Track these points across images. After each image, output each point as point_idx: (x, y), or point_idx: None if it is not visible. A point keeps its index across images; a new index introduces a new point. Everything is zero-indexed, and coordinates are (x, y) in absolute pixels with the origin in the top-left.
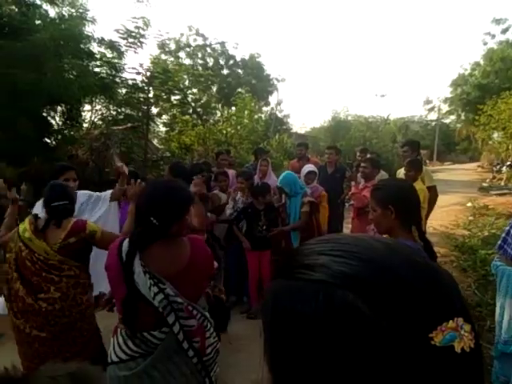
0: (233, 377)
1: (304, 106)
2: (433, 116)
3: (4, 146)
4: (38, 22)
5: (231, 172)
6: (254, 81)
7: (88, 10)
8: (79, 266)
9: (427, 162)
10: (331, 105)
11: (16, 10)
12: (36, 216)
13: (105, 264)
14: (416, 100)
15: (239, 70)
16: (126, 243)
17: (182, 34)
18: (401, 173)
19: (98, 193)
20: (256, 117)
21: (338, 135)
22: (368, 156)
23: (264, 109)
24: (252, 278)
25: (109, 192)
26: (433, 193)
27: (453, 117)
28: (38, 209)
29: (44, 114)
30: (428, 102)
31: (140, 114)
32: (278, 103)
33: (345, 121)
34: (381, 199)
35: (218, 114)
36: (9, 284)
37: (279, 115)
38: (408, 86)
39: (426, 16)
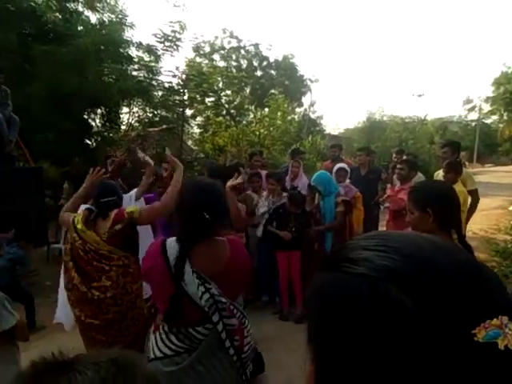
0: (262, 375)
1: (338, 107)
2: (473, 116)
3: (50, 147)
4: (80, 28)
5: (264, 173)
6: (287, 82)
7: (127, 16)
8: (127, 255)
9: (467, 163)
10: (366, 105)
11: (60, 16)
12: (90, 209)
13: (145, 265)
14: (455, 99)
15: (272, 72)
16: (170, 243)
17: (216, 37)
18: (439, 175)
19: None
20: (289, 118)
21: (373, 136)
22: (404, 157)
23: (297, 110)
24: (282, 279)
25: (133, 191)
26: (474, 196)
27: (495, 117)
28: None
29: (85, 117)
30: (468, 101)
31: (175, 116)
32: (312, 104)
33: (380, 121)
34: (419, 201)
35: (251, 115)
36: (66, 273)
37: (312, 116)
38: (447, 85)
39: (467, 12)
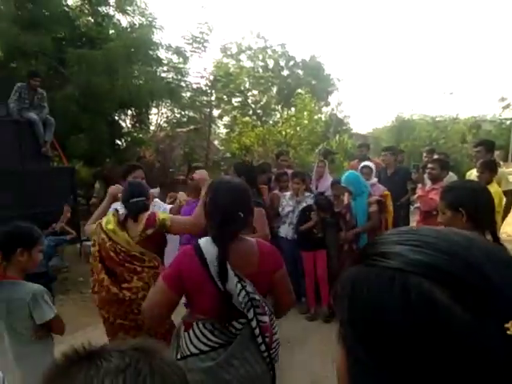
0: (291, 375)
1: (365, 106)
2: (508, 114)
3: (82, 148)
4: (111, 31)
5: (290, 173)
6: (314, 81)
7: (156, 18)
8: (157, 258)
9: (501, 163)
10: (395, 104)
11: (92, 20)
12: (117, 210)
13: (175, 269)
14: (489, 97)
15: (299, 71)
16: (205, 244)
17: (243, 38)
18: (472, 174)
19: (158, 200)
20: (316, 117)
21: (402, 135)
22: (435, 157)
23: (324, 109)
24: (308, 279)
25: (168, 207)
26: (509, 197)
27: None
28: (117, 205)
29: (116, 118)
30: (503, 99)
31: (202, 117)
32: (339, 103)
33: (409, 120)
34: (451, 201)
35: (278, 115)
36: (93, 276)
37: (339, 116)
38: (480, 83)
39: (500, 8)
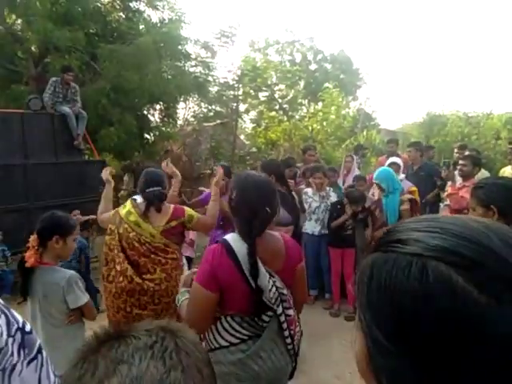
0: (316, 369)
1: (395, 101)
2: None
3: (112, 141)
4: (141, 26)
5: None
6: (342, 75)
7: (185, 13)
8: (178, 249)
9: None
10: (425, 99)
11: (123, 16)
12: (135, 200)
13: (214, 267)
14: None
15: (327, 65)
16: (234, 241)
17: (271, 32)
18: (505, 172)
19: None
20: (343, 112)
21: (433, 131)
22: (467, 153)
23: (352, 104)
24: (334, 275)
25: None
26: None
27: None
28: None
29: (145, 112)
30: None
31: (229, 111)
32: (367, 98)
33: (440, 115)
34: (483, 198)
35: (304, 109)
36: (108, 265)
37: (367, 110)
38: None
39: None
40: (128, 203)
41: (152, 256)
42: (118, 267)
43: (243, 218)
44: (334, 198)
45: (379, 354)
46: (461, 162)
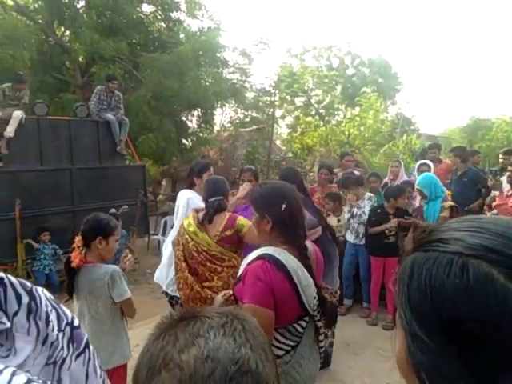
0: (351, 378)
1: (436, 106)
2: None
3: (152, 147)
4: (181, 35)
5: (357, 173)
6: (380, 79)
7: (222, 22)
8: (236, 257)
9: None
10: (468, 102)
11: (164, 25)
12: (196, 211)
13: (270, 285)
14: None
15: (365, 69)
16: (277, 253)
17: (308, 37)
18: None
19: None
20: (381, 117)
21: (476, 136)
22: None
23: (390, 108)
24: (375, 284)
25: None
26: None
27: None
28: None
29: (183, 118)
30: None
31: (265, 117)
32: (407, 102)
33: (485, 120)
34: None
35: (341, 114)
36: (177, 274)
37: (407, 115)
38: None
39: None
40: (190, 214)
41: (208, 264)
42: (182, 275)
43: (292, 229)
44: (367, 208)
45: (419, 350)
46: (509, 167)
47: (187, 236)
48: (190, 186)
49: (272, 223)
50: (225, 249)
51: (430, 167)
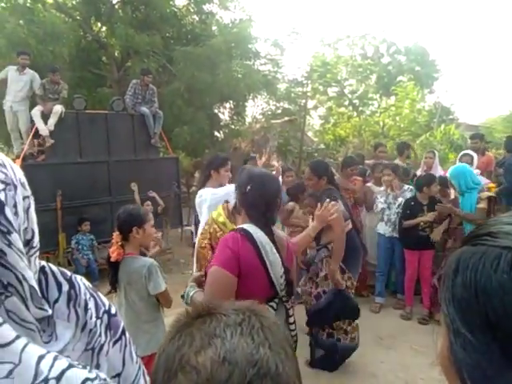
0: (384, 372)
1: (477, 93)
2: None
3: (185, 139)
4: (214, 27)
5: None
6: (417, 67)
7: (254, 13)
8: None
9: None
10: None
11: (197, 18)
12: (227, 201)
13: (236, 252)
14: None
15: (401, 57)
16: (249, 227)
17: (341, 26)
18: None
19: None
20: (418, 106)
21: None
22: None
23: (428, 97)
24: (410, 278)
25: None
26: None
27: None
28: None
29: (215, 111)
30: None
31: (297, 108)
32: (446, 90)
33: None
34: None
35: (376, 104)
36: (199, 262)
37: (445, 104)
38: None
39: None
40: (220, 205)
41: None
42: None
43: (259, 210)
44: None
45: (461, 348)
46: None
47: (216, 226)
48: (206, 178)
49: (238, 202)
50: None
51: (472, 158)
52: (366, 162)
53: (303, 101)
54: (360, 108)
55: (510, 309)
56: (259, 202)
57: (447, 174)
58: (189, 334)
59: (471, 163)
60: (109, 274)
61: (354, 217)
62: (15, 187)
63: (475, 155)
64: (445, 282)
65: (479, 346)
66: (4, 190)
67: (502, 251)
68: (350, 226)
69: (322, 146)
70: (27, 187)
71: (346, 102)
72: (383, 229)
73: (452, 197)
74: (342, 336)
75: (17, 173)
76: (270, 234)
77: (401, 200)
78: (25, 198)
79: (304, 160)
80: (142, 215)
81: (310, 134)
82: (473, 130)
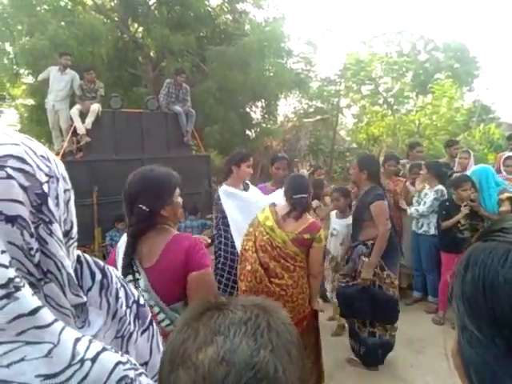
0: (413, 377)
1: None
2: None
3: (217, 138)
4: (247, 26)
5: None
6: (456, 64)
7: (288, 11)
8: (306, 260)
9: None
10: None
11: (230, 18)
12: (274, 205)
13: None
14: None
15: (439, 54)
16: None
17: (376, 23)
18: None
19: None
20: (456, 105)
21: None
22: None
23: (467, 95)
24: (445, 282)
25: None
26: None
27: None
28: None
29: (247, 110)
30: None
31: (330, 107)
32: (486, 88)
33: None
34: None
35: (412, 103)
36: (241, 264)
37: (485, 102)
38: None
39: None
40: (266, 208)
41: (282, 261)
42: (249, 267)
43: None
44: (431, 197)
45: (468, 344)
46: None
47: (262, 229)
48: (228, 174)
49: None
50: (299, 250)
51: None
52: (401, 161)
53: (336, 99)
54: (395, 106)
55: None
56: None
57: (468, 173)
58: (194, 329)
59: None
60: None
61: (394, 219)
62: (57, 180)
63: None
64: (456, 279)
65: (485, 342)
66: (47, 182)
67: (511, 247)
68: (390, 225)
69: (355, 145)
70: (68, 181)
71: (381, 101)
72: (414, 227)
73: (471, 197)
74: (382, 332)
75: (59, 167)
76: (131, 244)
77: (432, 198)
78: (65, 190)
79: (335, 159)
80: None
81: (342, 133)
82: None
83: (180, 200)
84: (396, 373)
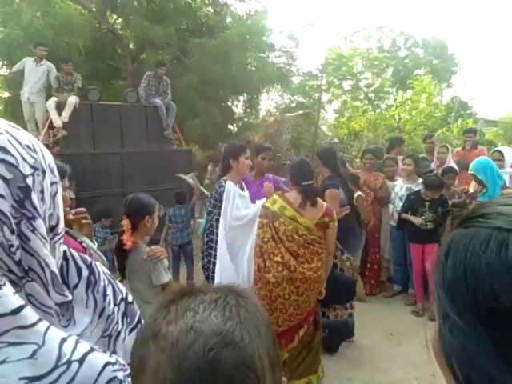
0: (394, 369)
1: (497, 87)
2: None
3: (198, 132)
4: (228, 19)
5: (400, 158)
6: (435, 61)
7: (270, 5)
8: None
9: None
10: None
11: (212, 10)
12: (283, 194)
13: None
14: None
15: (419, 51)
16: None
17: (357, 18)
18: None
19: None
20: (435, 100)
21: None
22: None
23: (446, 91)
24: (416, 272)
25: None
26: None
27: None
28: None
29: (229, 104)
30: None
31: (311, 102)
32: (464, 85)
33: None
34: None
35: (392, 98)
36: (262, 257)
37: (463, 98)
38: None
39: None
40: (277, 198)
41: (311, 247)
42: (278, 258)
43: None
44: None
45: (449, 331)
46: None
47: (282, 219)
48: (226, 169)
49: None
50: (322, 233)
51: (502, 155)
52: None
53: (317, 94)
54: (375, 102)
55: (498, 290)
56: None
57: (469, 169)
58: (167, 308)
59: (501, 160)
60: (113, 261)
61: (372, 213)
62: (43, 172)
63: (510, 153)
64: (436, 266)
65: (466, 329)
66: (32, 174)
67: (493, 232)
68: (348, 211)
69: (336, 139)
70: (56, 173)
71: (362, 96)
72: (393, 221)
73: (471, 190)
74: (342, 313)
75: (46, 158)
76: None
77: (400, 195)
78: (52, 183)
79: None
80: (153, 204)
81: (324, 127)
82: (491, 124)
83: None
84: (376, 364)
